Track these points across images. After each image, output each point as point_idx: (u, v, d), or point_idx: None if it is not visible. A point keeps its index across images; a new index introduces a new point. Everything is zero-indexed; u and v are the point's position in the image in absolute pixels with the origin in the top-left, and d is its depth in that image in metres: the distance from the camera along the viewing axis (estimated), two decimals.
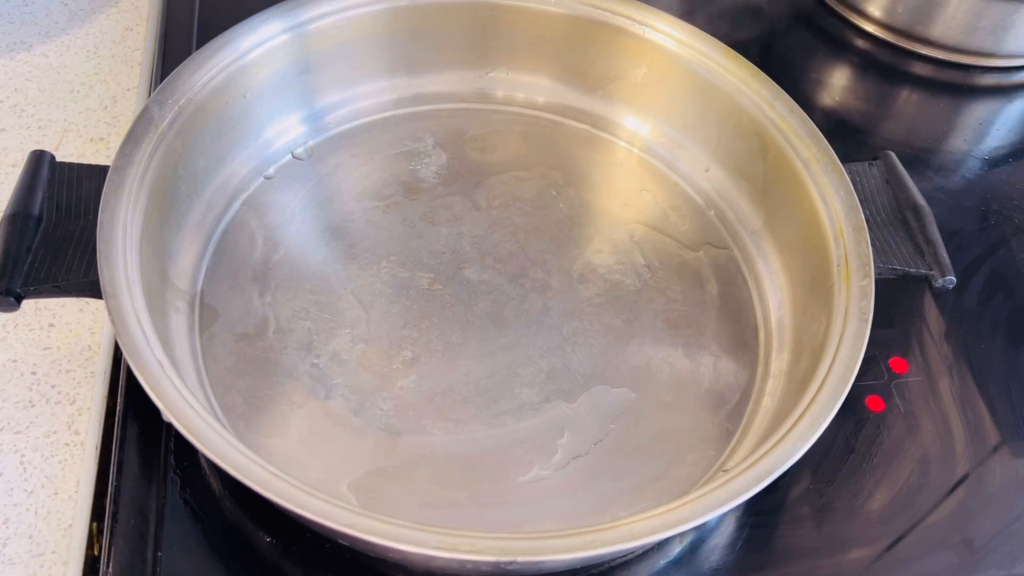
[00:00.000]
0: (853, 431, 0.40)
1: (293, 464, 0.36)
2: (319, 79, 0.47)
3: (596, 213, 0.47)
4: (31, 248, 0.34)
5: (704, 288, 0.44)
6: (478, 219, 0.46)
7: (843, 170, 0.41)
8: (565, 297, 0.43)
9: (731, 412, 0.40)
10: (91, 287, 0.34)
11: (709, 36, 0.46)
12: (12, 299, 0.33)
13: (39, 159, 0.37)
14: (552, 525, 0.36)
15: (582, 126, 0.50)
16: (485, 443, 0.38)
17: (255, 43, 0.43)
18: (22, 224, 0.35)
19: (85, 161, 0.48)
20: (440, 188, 0.47)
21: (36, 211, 0.35)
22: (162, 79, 0.49)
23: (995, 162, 0.54)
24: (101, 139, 0.49)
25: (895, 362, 0.43)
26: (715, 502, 0.31)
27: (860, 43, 0.59)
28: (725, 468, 0.37)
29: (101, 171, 0.37)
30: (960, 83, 0.58)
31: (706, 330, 0.43)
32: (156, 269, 0.38)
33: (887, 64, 0.58)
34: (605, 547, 0.29)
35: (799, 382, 0.37)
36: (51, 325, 0.42)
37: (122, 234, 0.35)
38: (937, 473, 0.40)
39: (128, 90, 0.52)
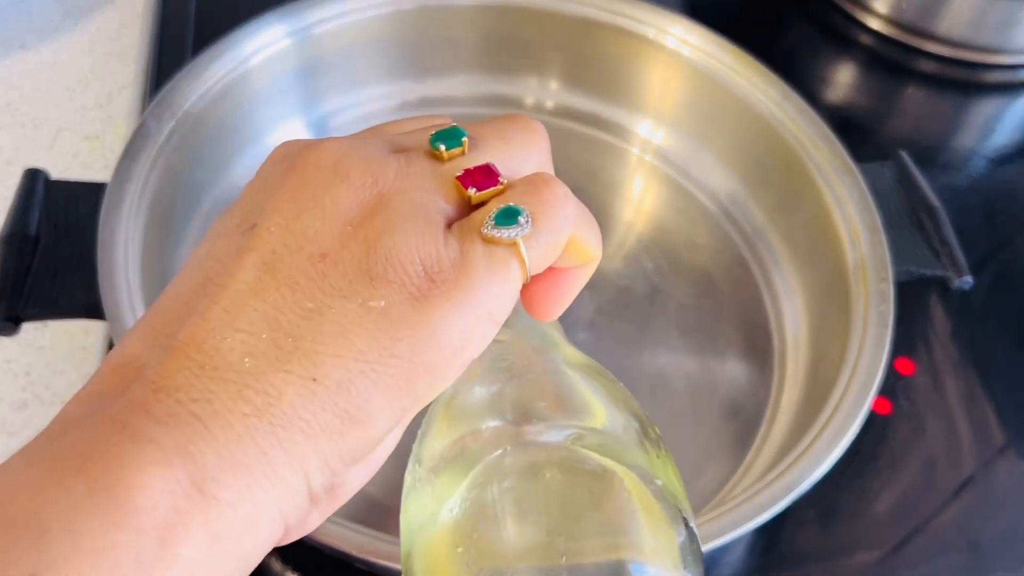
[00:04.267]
0: (858, 433, 0.40)
1: None
2: (322, 84, 0.45)
3: (604, 217, 0.46)
4: (29, 269, 0.33)
5: (716, 293, 0.44)
6: None
7: (856, 172, 0.41)
8: (575, 304, 0.42)
9: (748, 420, 0.40)
10: (92, 309, 0.33)
11: (719, 37, 0.45)
12: (11, 323, 0.32)
13: (33, 177, 0.36)
14: None
15: (590, 130, 0.49)
16: None
17: (256, 48, 0.41)
18: (19, 245, 0.33)
19: (80, 159, 0.47)
20: None
21: (33, 231, 0.34)
22: (158, 77, 0.47)
23: (1001, 160, 0.54)
24: (96, 137, 0.48)
25: (901, 363, 0.43)
26: (746, 514, 0.30)
27: (865, 40, 0.59)
28: (746, 478, 0.37)
29: (97, 188, 0.36)
30: (966, 80, 0.57)
31: (719, 336, 0.42)
32: (156, 289, 0.36)
33: (892, 61, 0.58)
34: None
35: (820, 389, 0.37)
36: (45, 325, 0.41)
37: (123, 253, 0.34)
38: (943, 475, 0.40)
39: (123, 88, 0.51)
